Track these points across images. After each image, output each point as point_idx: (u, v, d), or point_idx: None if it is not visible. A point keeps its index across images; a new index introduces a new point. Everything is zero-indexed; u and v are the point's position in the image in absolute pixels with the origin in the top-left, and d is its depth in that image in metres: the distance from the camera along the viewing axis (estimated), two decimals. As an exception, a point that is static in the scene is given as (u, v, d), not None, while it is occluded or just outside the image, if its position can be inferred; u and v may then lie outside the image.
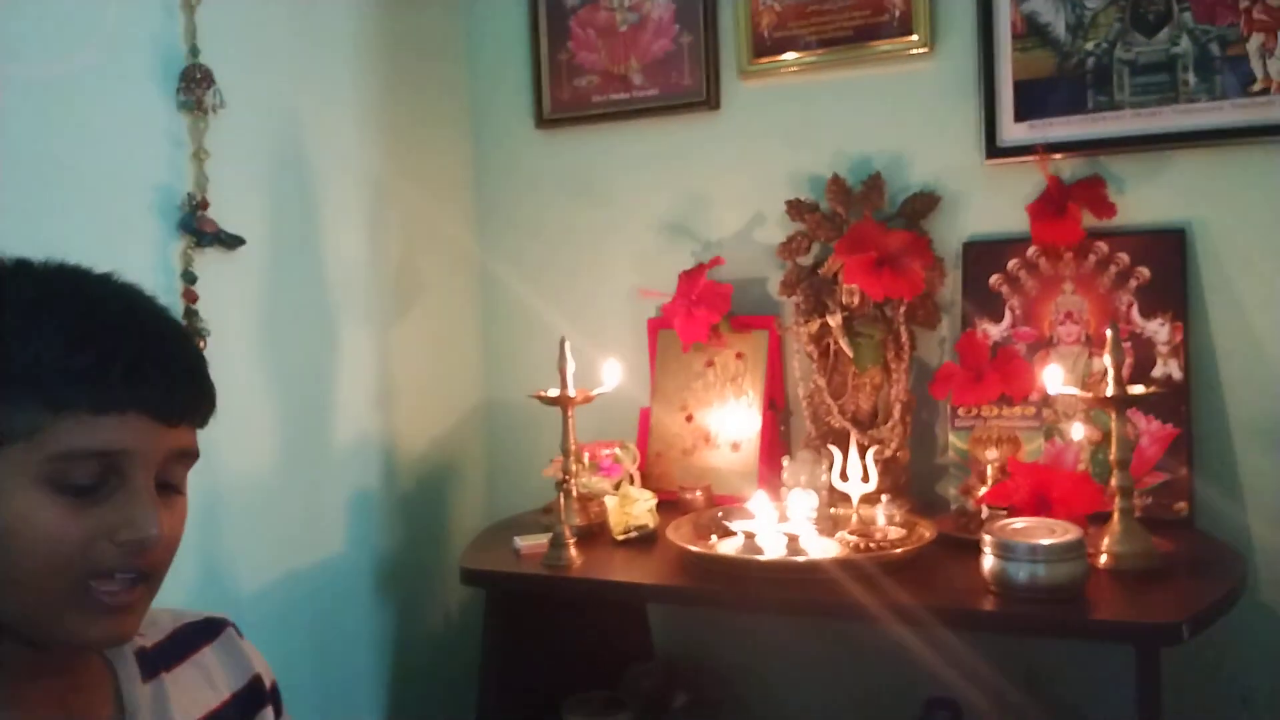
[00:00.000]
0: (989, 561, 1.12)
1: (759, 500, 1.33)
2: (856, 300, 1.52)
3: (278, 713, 1.07)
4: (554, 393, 1.40)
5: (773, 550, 1.26)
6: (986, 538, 1.12)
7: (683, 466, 1.65)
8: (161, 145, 1.28)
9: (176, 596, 1.21)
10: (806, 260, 1.61)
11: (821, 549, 1.27)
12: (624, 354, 1.48)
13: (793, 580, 1.21)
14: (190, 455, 0.86)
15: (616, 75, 1.78)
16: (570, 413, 1.41)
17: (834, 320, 1.52)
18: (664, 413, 1.69)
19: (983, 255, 1.54)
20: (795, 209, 1.61)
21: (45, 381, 0.75)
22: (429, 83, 1.80)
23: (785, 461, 1.46)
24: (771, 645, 1.67)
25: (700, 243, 1.74)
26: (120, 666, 0.95)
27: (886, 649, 1.42)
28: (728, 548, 1.30)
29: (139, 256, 1.25)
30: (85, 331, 0.77)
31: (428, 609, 1.76)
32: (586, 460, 1.57)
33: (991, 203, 1.55)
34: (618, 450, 1.61)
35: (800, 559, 1.23)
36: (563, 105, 1.82)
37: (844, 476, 1.38)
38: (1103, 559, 1.18)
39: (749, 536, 1.28)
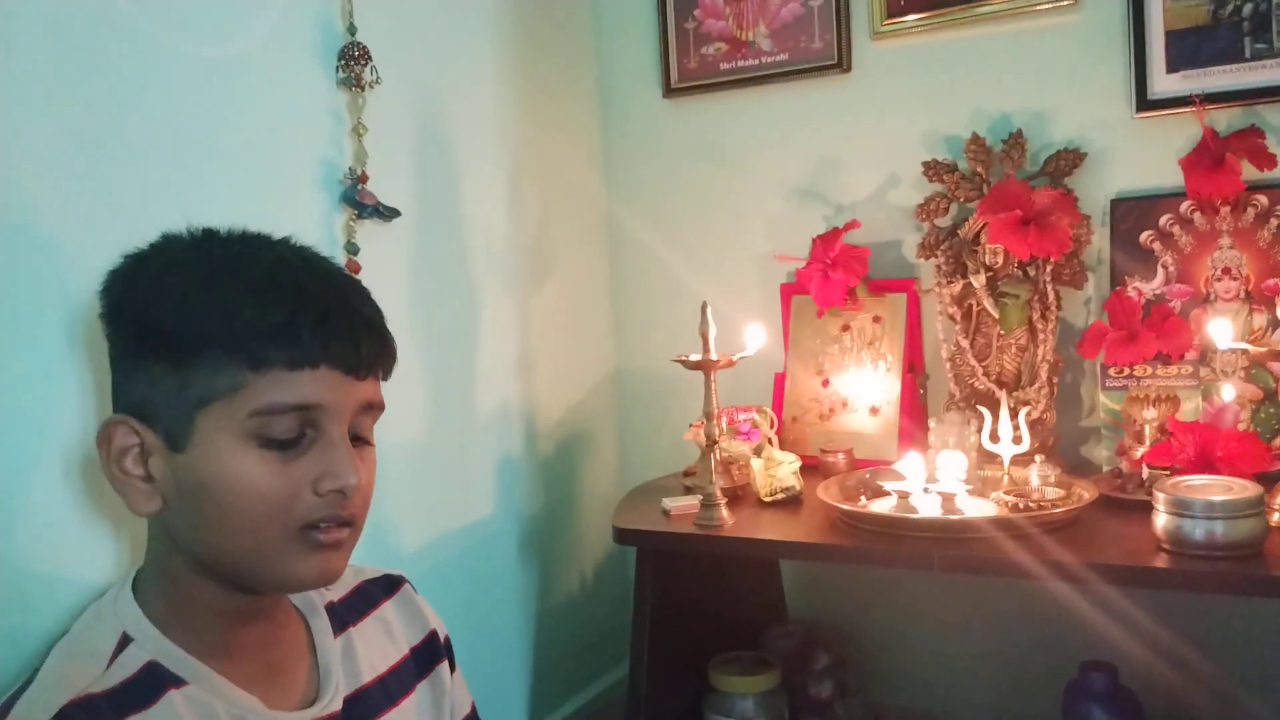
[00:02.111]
0: (1162, 519, 1.10)
1: (910, 461, 1.32)
2: (1000, 260, 1.50)
3: (452, 666, 1.12)
4: (696, 357, 1.42)
5: (927, 510, 1.26)
6: (1159, 495, 1.11)
7: (819, 431, 1.66)
8: (324, 121, 1.33)
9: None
10: (945, 222, 1.59)
11: (976, 508, 1.26)
12: (756, 320, 1.49)
13: (951, 538, 1.20)
14: (377, 407, 0.90)
15: (744, 41, 1.78)
16: (713, 377, 1.42)
17: (978, 281, 1.50)
18: (799, 377, 1.70)
19: (1132, 211, 1.50)
20: (933, 170, 1.59)
21: (243, 341, 0.80)
22: (559, 54, 1.82)
23: (931, 424, 1.45)
24: (913, 606, 1.67)
25: (832, 207, 1.74)
26: (314, 620, 1.00)
27: (1038, 611, 1.42)
28: (881, 507, 1.30)
29: (307, 229, 1.29)
30: (276, 291, 0.82)
31: (566, 571, 1.80)
32: (725, 424, 1.59)
33: (1141, 157, 1.51)
34: (755, 415, 1.61)
35: (958, 517, 1.23)
36: (690, 74, 1.82)
37: (994, 438, 1.37)
38: (1276, 517, 1.15)
39: (902, 496, 1.28)
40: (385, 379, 0.91)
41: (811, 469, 1.53)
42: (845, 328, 1.67)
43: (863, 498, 1.36)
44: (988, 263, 1.50)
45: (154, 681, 0.83)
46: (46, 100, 0.99)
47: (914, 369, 1.62)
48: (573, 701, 1.79)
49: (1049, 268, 1.48)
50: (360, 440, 0.89)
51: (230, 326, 0.79)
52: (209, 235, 0.87)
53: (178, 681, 0.84)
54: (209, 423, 0.80)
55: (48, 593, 0.98)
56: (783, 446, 1.61)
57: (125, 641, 0.85)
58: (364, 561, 1.27)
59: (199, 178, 1.16)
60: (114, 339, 0.86)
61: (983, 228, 1.50)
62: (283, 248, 0.88)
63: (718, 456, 1.42)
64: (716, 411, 1.42)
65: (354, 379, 0.84)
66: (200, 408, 0.80)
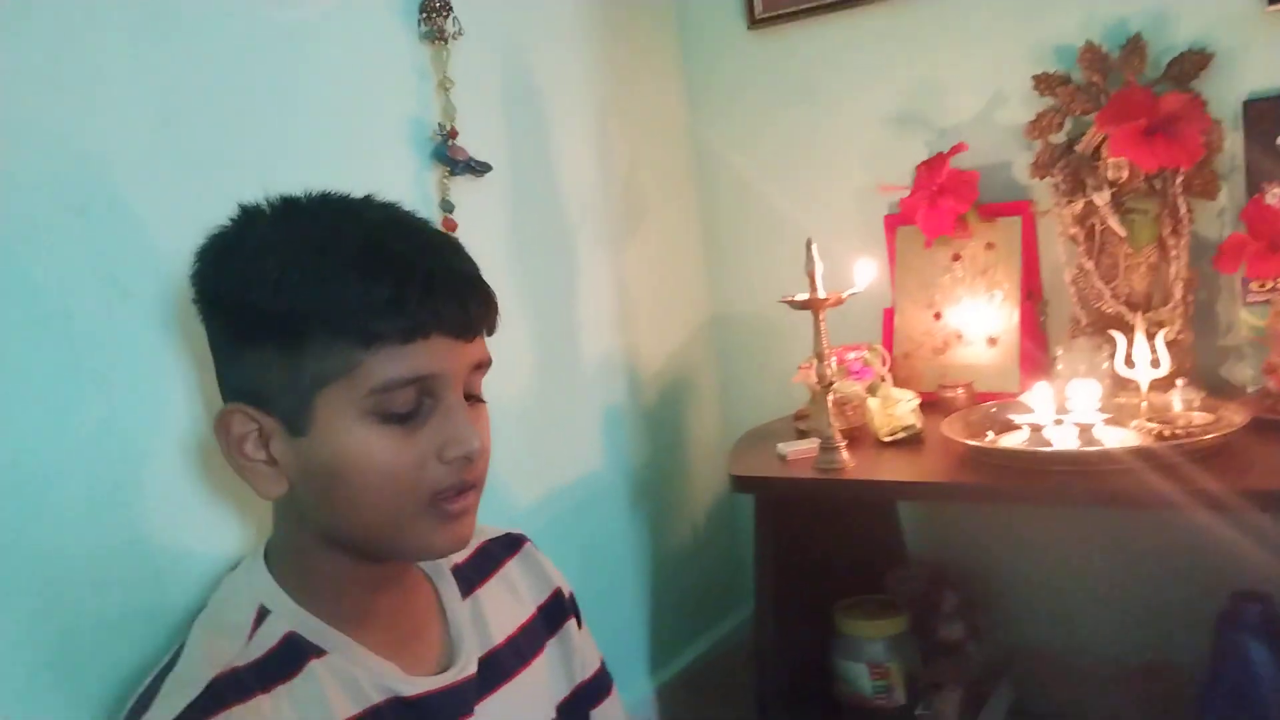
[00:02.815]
0: (1325, 439, 1.02)
1: (1038, 392, 1.26)
2: (1125, 175, 1.40)
3: (579, 623, 1.10)
4: (802, 296, 1.36)
5: (1063, 442, 1.19)
6: (1325, 414, 1.03)
7: (933, 366, 1.59)
8: (409, 77, 1.30)
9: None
10: (1059, 138, 1.50)
11: (1117, 439, 1.20)
12: (859, 255, 1.43)
13: (1092, 471, 1.14)
14: (486, 364, 0.87)
15: (831, -37, 1.69)
16: (821, 316, 1.37)
17: (1100, 198, 1.41)
18: (909, 311, 1.63)
19: (1268, 113, 1.39)
20: (1044, 83, 1.50)
21: (352, 319, 0.77)
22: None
23: (1057, 352, 1.38)
24: (1042, 541, 1.61)
25: (935, 131, 1.65)
26: (442, 585, 0.99)
27: (1181, 541, 1.35)
28: (1012, 442, 1.24)
29: (401, 189, 1.27)
30: (377, 263, 0.78)
31: (677, 519, 1.78)
32: (835, 364, 1.53)
33: (1275, 54, 1.39)
34: (865, 353, 1.56)
35: (1099, 449, 1.16)
36: (775, 3, 1.74)
37: (1129, 363, 1.29)
38: None
39: (1035, 429, 1.22)
40: (491, 334, 0.88)
41: (928, 405, 1.47)
42: (956, 257, 1.59)
43: (990, 433, 1.30)
44: (1111, 178, 1.41)
45: (295, 652, 0.83)
46: (128, 74, 0.98)
47: (1032, 296, 1.54)
48: (691, 649, 1.78)
49: (1179, 179, 1.39)
50: (473, 399, 0.87)
51: (336, 306, 0.76)
52: (290, 205, 0.83)
53: (318, 651, 0.84)
54: (327, 405, 0.78)
55: (180, 569, 0.99)
56: (896, 384, 1.55)
57: (263, 614, 0.85)
58: (481, 521, 1.27)
59: (287, 145, 1.14)
60: (212, 326, 0.84)
61: (1103, 141, 1.41)
62: (372, 212, 0.84)
63: (833, 396, 1.37)
64: (827, 351, 1.37)
65: (464, 341, 0.82)
66: (317, 391, 0.78)
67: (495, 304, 0.86)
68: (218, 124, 1.06)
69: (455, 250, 0.86)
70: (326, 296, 0.76)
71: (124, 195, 0.97)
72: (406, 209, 0.88)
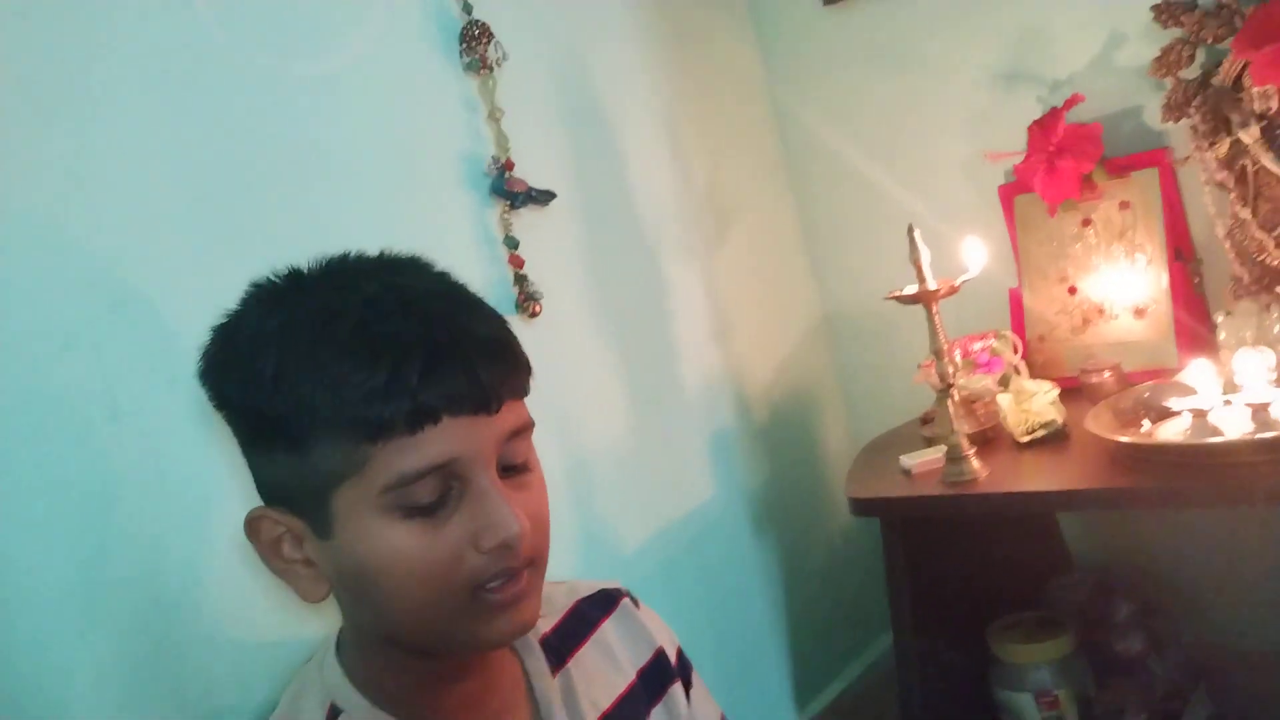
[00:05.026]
0: None
1: (1198, 369, 1.08)
2: (1275, 104, 1.21)
3: (687, 685, 0.99)
4: (911, 289, 1.22)
5: (1235, 428, 1.01)
6: None
7: (1073, 347, 1.42)
8: (456, 113, 1.23)
9: (564, 571, 1.17)
10: (1191, 72, 1.31)
11: (1301, 417, 1.01)
12: (974, 232, 1.28)
13: (1276, 460, 0.96)
14: (524, 429, 0.77)
15: (906, -83, 1.54)
16: (935, 308, 1.22)
17: (1249, 135, 1.22)
18: (1038, 289, 1.46)
19: None
20: (1166, 12, 1.30)
21: (351, 412, 0.68)
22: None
23: (1217, 319, 1.20)
24: (1227, 534, 1.41)
25: (1046, 85, 1.48)
26: (529, 660, 0.90)
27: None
28: (1172, 433, 1.07)
29: (460, 232, 1.21)
30: (370, 346, 0.69)
31: (808, 541, 1.66)
32: (959, 359, 1.38)
33: None
34: (993, 342, 1.40)
35: (1278, 433, 0.98)
36: (850, -29, 1.61)
37: (1307, 323, 1.10)
38: None
39: (1198, 415, 1.04)
40: (524, 395, 0.78)
41: (1072, 394, 1.30)
42: (1086, 222, 1.41)
43: (1145, 422, 1.13)
44: (1258, 110, 1.22)
45: (369, 754, 0.76)
46: (152, 155, 0.95)
47: (1182, 256, 1.35)
48: (839, 680, 1.66)
49: (1343, 100, 1.18)
50: (517, 469, 0.77)
51: (334, 399, 0.68)
52: (292, 281, 0.76)
53: (393, 752, 0.77)
54: (345, 505, 0.71)
55: (262, 661, 0.94)
56: (1032, 373, 1.39)
57: (335, 713, 0.80)
58: (583, 574, 1.18)
59: (334, 205, 1.08)
60: (229, 425, 0.78)
61: (1244, 69, 1.22)
62: (371, 281, 0.74)
63: (956, 398, 1.22)
64: (946, 346, 1.22)
65: (486, 415, 0.72)
66: (331, 491, 0.71)
67: (521, 364, 0.76)
68: (253, 193, 1.02)
69: (468, 309, 0.76)
70: (323, 390, 0.69)
71: (159, 282, 0.94)
72: (420, 263, 0.79)
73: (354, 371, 0.68)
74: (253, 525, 0.75)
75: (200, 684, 0.92)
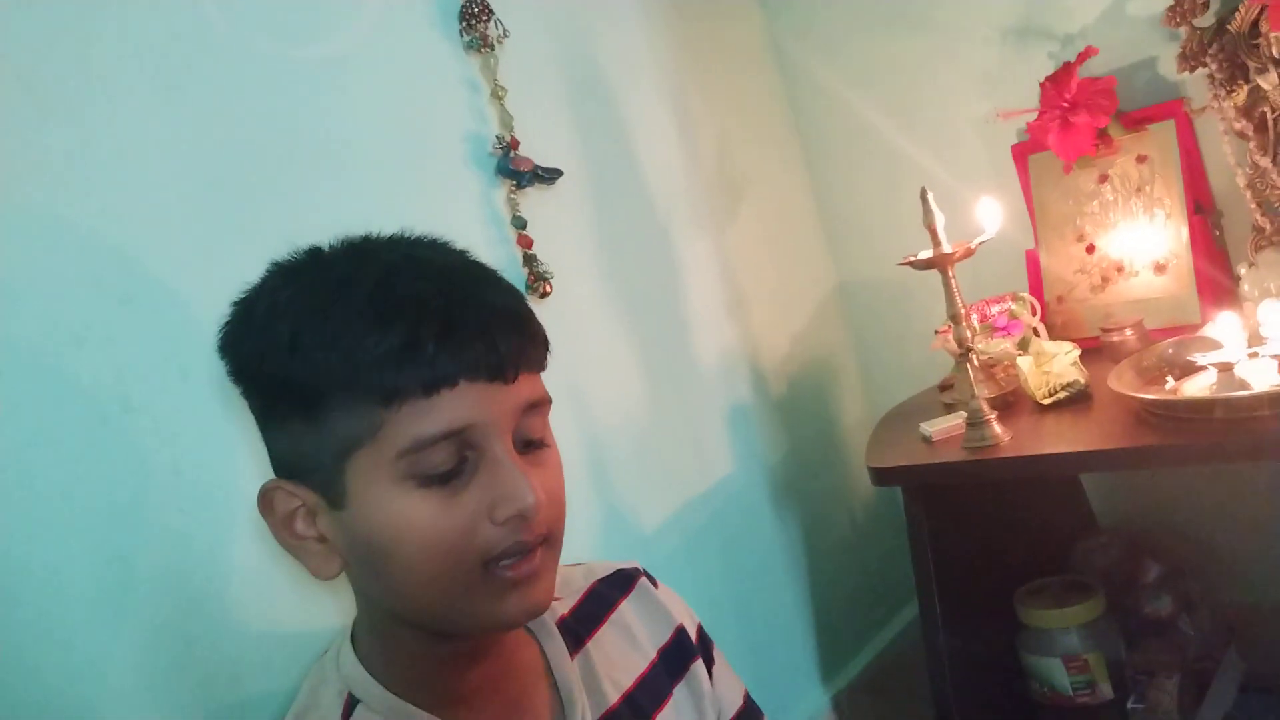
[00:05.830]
0: None
1: (1223, 322, 1.06)
2: (1294, 48, 1.18)
3: (709, 662, 0.98)
4: (926, 254, 1.20)
5: (1262, 380, 0.99)
6: None
7: (1092, 307, 1.40)
8: (458, 92, 1.21)
9: (584, 552, 1.17)
10: (1206, 20, 1.27)
11: (1330, 367, 0.99)
12: (988, 193, 1.25)
13: (1305, 413, 0.94)
14: (541, 403, 0.76)
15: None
16: (951, 272, 1.20)
17: (1268, 81, 1.19)
18: (1056, 249, 1.43)
19: None
20: (1178, -41, 1.28)
21: (366, 375, 0.67)
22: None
23: (1240, 271, 1.17)
24: (1258, 488, 1.39)
25: (1057, 39, 1.45)
26: (547, 643, 0.89)
27: None
28: (1198, 388, 1.05)
29: (467, 212, 1.20)
30: (387, 309, 0.68)
31: (831, 512, 1.64)
32: (976, 322, 1.36)
33: None
34: (1011, 304, 1.38)
35: (1307, 384, 0.96)
36: (854, -69, 1.58)
37: (1333, 271, 1.07)
38: None
39: (1223, 369, 1.02)
40: (541, 370, 0.77)
41: (1093, 353, 1.28)
42: (1103, 178, 1.39)
43: (1170, 379, 1.11)
44: (1276, 55, 1.19)
45: (389, 743, 0.76)
46: (156, 147, 0.94)
47: (1201, 208, 1.32)
48: (866, 652, 1.65)
49: (1364, 41, 1.15)
50: (534, 444, 0.76)
51: (349, 363, 0.68)
52: (313, 256, 0.76)
53: (411, 740, 0.76)
54: (359, 473, 0.70)
55: (289, 650, 0.94)
56: (1052, 334, 1.37)
57: (352, 703, 0.79)
58: (603, 555, 1.17)
59: (339, 189, 1.07)
60: (246, 398, 0.77)
61: (1261, 13, 1.19)
62: (390, 252, 0.74)
63: (975, 363, 1.20)
64: (964, 310, 1.20)
65: (502, 384, 0.71)
66: (345, 459, 0.70)
67: (538, 336, 0.76)
68: (258, 181, 1.01)
69: (487, 282, 0.75)
70: (338, 354, 0.68)
71: (168, 273, 0.93)
72: (440, 242, 0.78)
73: (369, 334, 0.67)
74: (266, 498, 0.75)
75: (228, 674, 0.92)
